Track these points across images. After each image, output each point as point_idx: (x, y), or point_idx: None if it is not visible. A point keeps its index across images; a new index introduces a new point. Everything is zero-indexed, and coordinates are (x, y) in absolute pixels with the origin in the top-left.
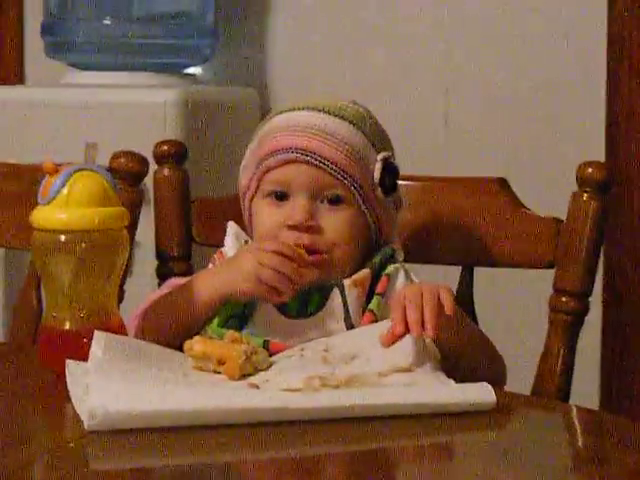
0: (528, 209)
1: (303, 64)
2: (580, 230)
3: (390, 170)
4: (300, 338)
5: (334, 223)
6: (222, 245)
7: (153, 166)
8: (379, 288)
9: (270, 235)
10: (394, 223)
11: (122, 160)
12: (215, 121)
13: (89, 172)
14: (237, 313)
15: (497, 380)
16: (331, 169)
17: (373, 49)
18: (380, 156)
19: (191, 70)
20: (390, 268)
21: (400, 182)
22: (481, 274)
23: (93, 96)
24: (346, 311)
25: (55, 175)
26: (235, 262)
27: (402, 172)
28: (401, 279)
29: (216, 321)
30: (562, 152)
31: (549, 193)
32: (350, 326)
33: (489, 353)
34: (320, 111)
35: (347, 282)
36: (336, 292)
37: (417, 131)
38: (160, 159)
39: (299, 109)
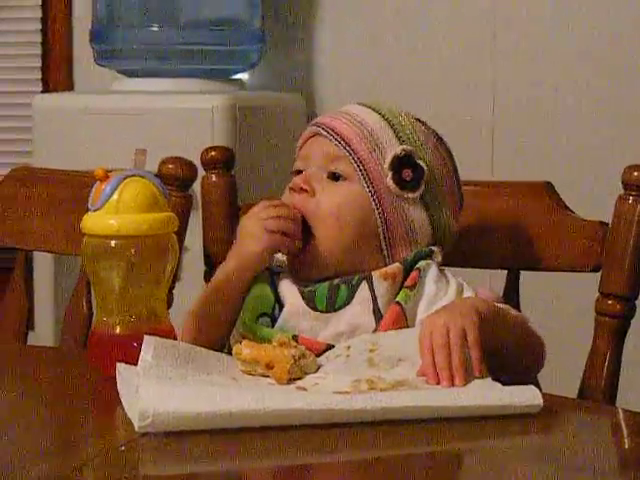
0: (574, 213)
1: (349, 69)
2: (626, 233)
3: (409, 164)
4: (330, 332)
5: (328, 194)
6: None
7: (201, 172)
8: (408, 281)
9: None
10: (413, 226)
11: (171, 166)
12: (263, 126)
13: (139, 178)
14: (267, 311)
15: (535, 364)
16: (337, 140)
17: (420, 53)
18: (400, 147)
19: (238, 76)
20: (421, 263)
21: None
22: (527, 278)
23: (142, 103)
24: (375, 303)
25: (105, 181)
26: (241, 232)
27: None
28: (432, 273)
29: (247, 317)
30: (608, 155)
31: (595, 197)
32: (379, 318)
33: (526, 342)
34: (360, 105)
35: (376, 274)
36: (364, 285)
37: (463, 135)
38: (208, 165)
39: None
